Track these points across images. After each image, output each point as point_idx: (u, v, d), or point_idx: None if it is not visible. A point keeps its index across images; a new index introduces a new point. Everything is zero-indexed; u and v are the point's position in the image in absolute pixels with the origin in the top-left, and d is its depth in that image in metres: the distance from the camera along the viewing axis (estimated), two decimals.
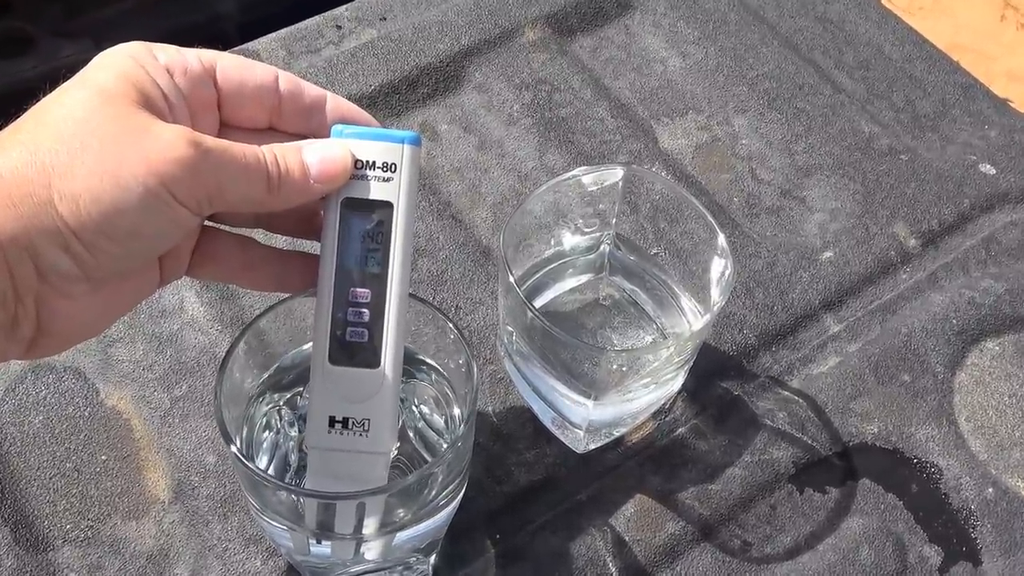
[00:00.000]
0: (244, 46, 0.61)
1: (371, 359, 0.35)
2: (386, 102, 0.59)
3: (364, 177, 0.34)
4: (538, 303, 0.48)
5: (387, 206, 0.34)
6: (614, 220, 0.48)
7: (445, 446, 0.41)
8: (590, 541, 0.45)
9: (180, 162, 0.29)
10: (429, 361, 0.42)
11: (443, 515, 0.41)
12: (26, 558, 0.43)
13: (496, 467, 0.47)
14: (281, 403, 0.42)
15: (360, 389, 0.35)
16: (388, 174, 0.34)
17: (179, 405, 0.48)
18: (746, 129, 0.60)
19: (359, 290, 0.34)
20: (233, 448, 0.36)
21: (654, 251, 0.48)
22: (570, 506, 0.46)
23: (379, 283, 0.34)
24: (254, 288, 0.37)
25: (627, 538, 0.45)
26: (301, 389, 0.42)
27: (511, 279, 0.41)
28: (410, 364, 0.42)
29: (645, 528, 0.45)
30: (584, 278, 0.49)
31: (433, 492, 0.39)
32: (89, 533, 0.44)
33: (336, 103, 0.35)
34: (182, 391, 0.48)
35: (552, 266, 0.48)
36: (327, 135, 0.34)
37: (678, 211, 0.45)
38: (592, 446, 0.47)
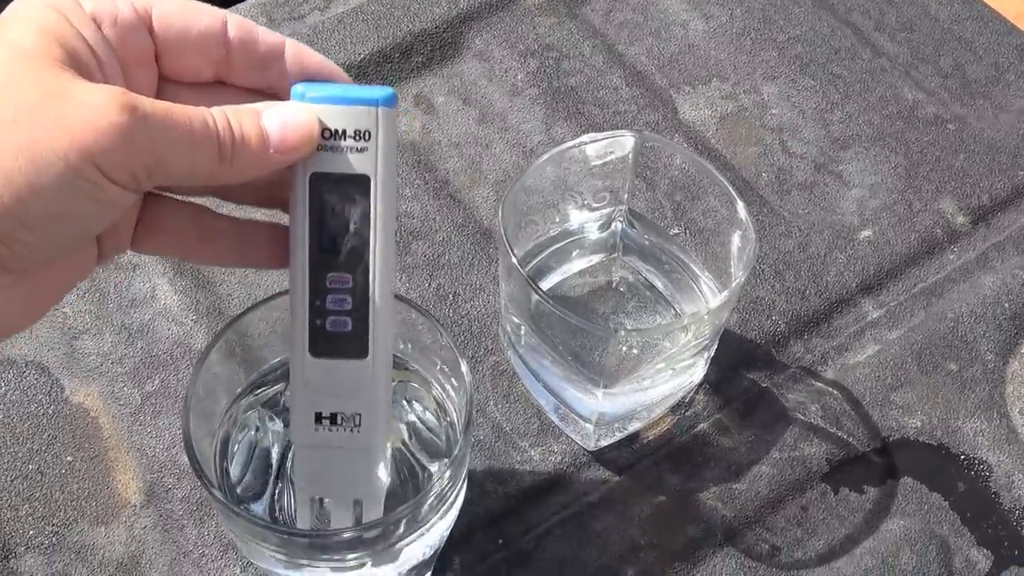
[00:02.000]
0: None
1: (358, 349, 0.35)
2: (377, 72, 0.61)
3: (334, 148, 0.33)
4: (543, 286, 0.49)
5: (363, 180, 0.33)
6: (626, 195, 0.49)
7: (439, 441, 0.43)
8: (601, 546, 0.47)
9: (110, 131, 0.28)
10: (417, 368, 0.43)
11: (436, 532, 0.42)
12: None
13: (499, 466, 0.48)
14: (259, 405, 0.44)
15: (347, 382, 0.35)
16: (362, 143, 0.33)
17: (151, 401, 0.50)
18: (776, 98, 0.62)
19: (338, 275, 0.34)
20: (216, 493, 0.37)
21: (673, 230, 0.50)
22: (579, 509, 0.48)
23: (360, 267, 0.34)
24: (212, 263, 0.37)
25: (642, 543, 0.47)
26: (283, 387, 0.44)
27: (513, 259, 0.43)
28: (398, 366, 0.44)
29: (662, 532, 0.47)
30: (595, 259, 0.51)
31: (423, 514, 0.40)
32: (54, 539, 0.46)
33: (297, 51, 0.33)
34: (154, 386, 0.50)
35: (558, 246, 0.50)
36: (286, 88, 0.33)
37: (695, 183, 0.47)
38: (604, 442, 0.49)
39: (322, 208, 0.33)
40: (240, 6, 0.64)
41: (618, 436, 0.49)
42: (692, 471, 0.49)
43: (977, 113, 0.62)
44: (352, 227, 0.34)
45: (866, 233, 0.56)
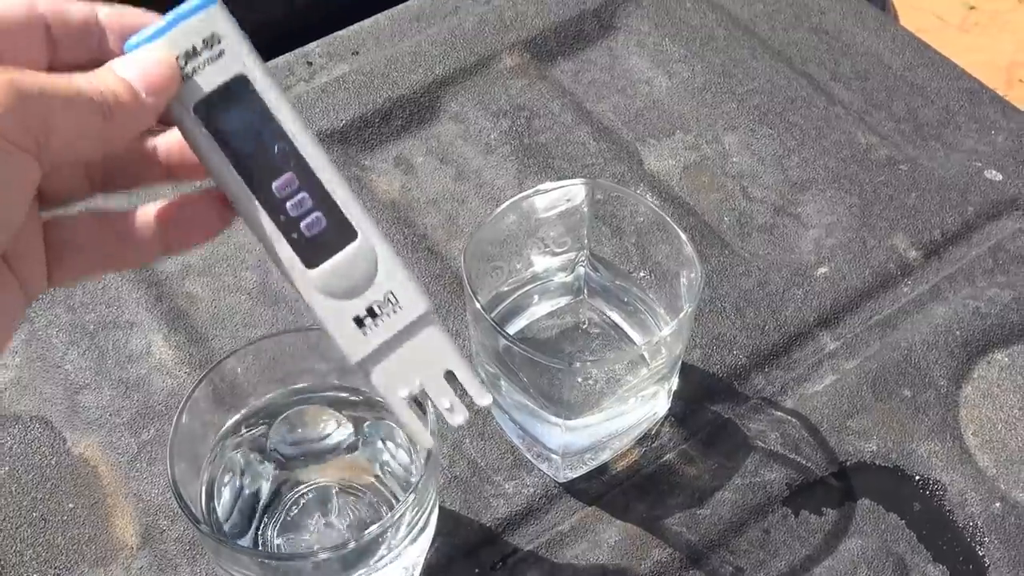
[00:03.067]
0: None
1: (345, 234, 0.34)
2: (359, 136, 0.65)
3: (195, 71, 0.32)
4: (512, 329, 0.52)
5: (240, 80, 0.32)
6: (586, 240, 0.52)
7: (412, 476, 0.46)
8: (572, 572, 0.49)
9: (2, 92, 0.28)
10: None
11: (409, 556, 0.45)
12: None
13: (474, 500, 0.51)
14: (245, 444, 0.47)
15: (357, 269, 0.34)
16: (216, 48, 0.32)
17: (146, 449, 0.53)
18: (736, 146, 0.65)
19: (281, 180, 0.33)
20: (202, 527, 0.40)
21: (633, 272, 0.52)
22: (551, 537, 0.50)
23: (294, 159, 0.33)
24: (148, 258, 0.35)
25: (611, 568, 0.49)
26: (266, 429, 0.47)
27: (477, 304, 0.46)
28: (371, 407, 0.47)
29: (630, 556, 0.49)
30: (562, 301, 0.54)
31: (396, 539, 0.43)
32: None
33: (111, 12, 0.32)
34: (150, 435, 0.53)
35: (525, 290, 0.53)
36: (115, 53, 0.32)
37: (647, 225, 0.50)
38: (573, 474, 0.51)
39: (224, 130, 0.32)
40: None
41: (587, 468, 0.52)
42: (658, 499, 0.51)
43: (929, 154, 0.65)
44: (261, 127, 0.32)
45: (823, 270, 0.59)
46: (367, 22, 0.71)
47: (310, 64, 0.69)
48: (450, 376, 0.36)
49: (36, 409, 0.54)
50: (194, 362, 0.55)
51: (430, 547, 0.48)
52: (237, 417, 0.46)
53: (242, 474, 0.46)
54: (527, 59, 0.69)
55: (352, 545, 0.40)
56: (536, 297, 0.53)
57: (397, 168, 0.64)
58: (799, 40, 0.71)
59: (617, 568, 0.49)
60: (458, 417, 0.37)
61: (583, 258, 0.53)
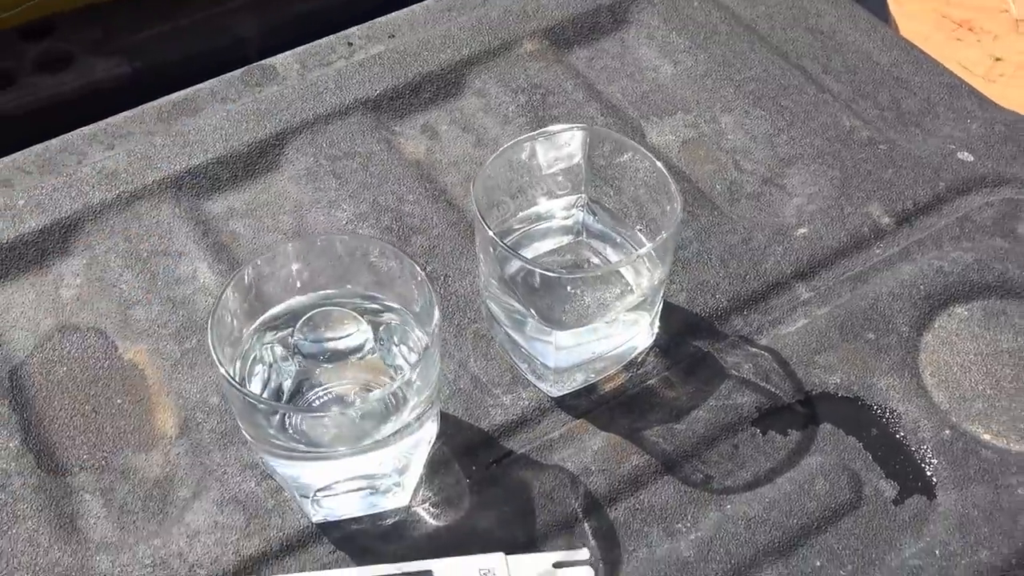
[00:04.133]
0: (261, 62, 0.75)
1: None
2: (390, 105, 0.72)
3: None
4: (515, 263, 0.58)
5: None
6: (583, 184, 0.58)
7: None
8: (558, 472, 0.54)
9: None
10: (399, 309, 0.53)
11: (418, 436, 0.51)
12: (48, 480, 0.54)
13: (475, 409, 0.57)
14: (274, 341, 0.53)
15: None
16: None
17: (188, 356, 0.59)
18: (731, 126, 0.71)
19: None
20: (222, 370, 0.46)
21: (625, 214, 0.58)
22: (542, 443, 0.56)
23: None
24: None
25: (593, 468, 0.54)
26: (292, 330, 0.53)
27: (487, 229, 0.52)
28: (386, 312, 0.53)
29: (611, 460, 0.55)
30: (563, 240, 0.60)
31: (408, 405, 0.49)
32: (103, 462, 0.55)
33: None
34: (192, 344, 0.59)
35: (529, 227, 0.59)
36: None
37: (637, 168, 0.56)
38: (565, 391, 0.57)
39: None
40: (278, 56, 0.75)
41: (577, 386, 0.57)
42: (639, 415, 0.57)
43: (907, 137, 0.70)
44: None
45: (802, 231, 0.65)
46: (404, 11, 0.78)
47: (350, 45, 0.76)
48: None
49: (93, 322, 0.61)
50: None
51: (434, 444, 0.54)
52: (266, 316, 0.52)
53: (270, 367, 0.53)
54: (546, 45, 0.76)
55: (360, 404, 0.46)
56: (540, 235, 0.59)
57: (423, 134, 0.71)
58: (795, 38, 0.77)
59: (599, 470, 0.54)
60: None
61: (582, 202, 0.59)
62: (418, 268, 0.49)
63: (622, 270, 0.56)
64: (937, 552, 0.52)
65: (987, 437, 0.56)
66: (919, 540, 0.52)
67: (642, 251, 0.52)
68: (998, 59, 2.18)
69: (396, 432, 0.48)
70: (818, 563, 0.52)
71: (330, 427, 0.49)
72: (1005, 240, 0.64)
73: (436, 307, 0.48)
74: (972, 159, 0.69)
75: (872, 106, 0.72)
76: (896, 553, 0.52)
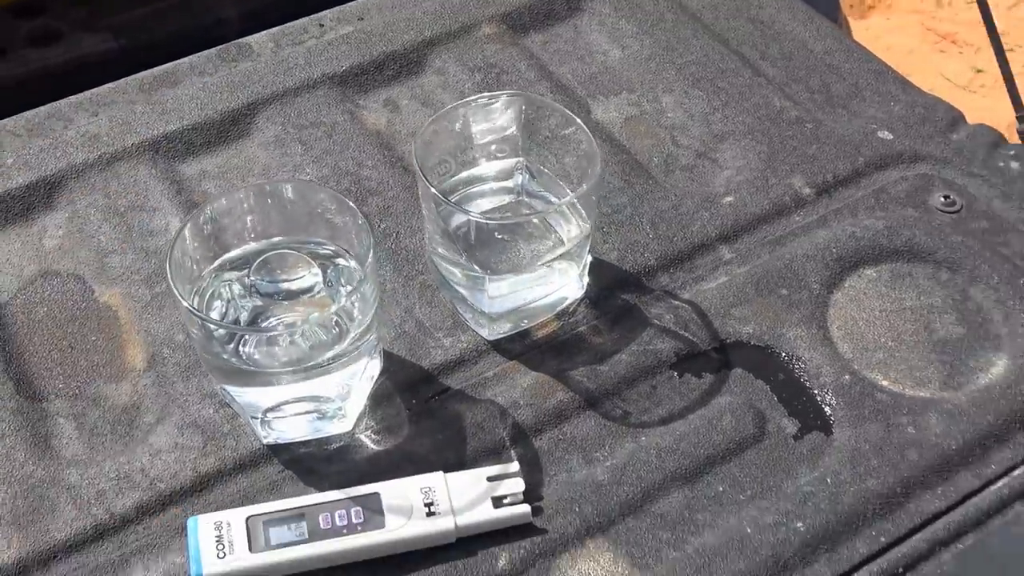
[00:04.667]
0: (237, 41, 0.80)
1: None
2: (356, 81, 0.77)
3: None
4: (455, 218, 0.64)
5: None
6: (519, 149, 0.64)
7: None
8: (490, 405, 0.60)
9: None
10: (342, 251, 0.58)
11: (357, 366, 0.56)
12: (25, 405, 0.60)
13: (417, 349, 0.62)
14: (232, 280, 0.58)
15: None
16: None
17: (157, 299, 0.64)
18: (671, 105, 0.76)
19: None
20: (184, 303, 0.52)
21: (559, 175, 0.64)
22: (477, 381, 0.61)
23: None
24: None
25: (522, 403, 0.60)
26: (247, 271, 0.58)
27: (427, 183, 0.57)
28: (336, 257, 0.58)
29: (538, 396, 0.60)
30: (505, 199, 0.65)
31: (349, 336, 0.54)
32: (77, 391, 0.60)
33: None
34: (161, 289, 0.65)
35: (471, 188, 0.64)
36: None
37: (565, 132, 0.61)
38: (500, 335, 0.62)
39: None
40: (254, 35, 0.81)
41: (512, 331, 0.62)
42: (567, 358, 0.62)
43: (833, 118, 0.76)
44: None
45: (728, 199, 0.70)
46: None
47: (321, 26, 0.82)
48: None
49: (73, 268, 0.66)
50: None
51: (377, 380, 0.60)
52: (224, 258, 0.58)
53: (228, 302, 0.58)
54: (503, 29, 0.81)
55: (302, 324, 0.51)
56: (481, 195, 0.65)
57: (385, 108, 0.76)
58: (736, 27, 0.82)
59: (527, 404, 0.60)
60: None
61: (521, 166, 0.65)
62: (359, 212, 0.55)
63: (552, 223, 0.61)
64: (829, 480, 0.57)
65: (884, 383, 0.61)
66: (814, 470, 0.57)
67: (564, 200, 0.58)
68: (979, 71, 2.23)
69: (336, 357, 0.54)
70: (720, 488, 0.57)
71: (278, 351, 0.55)
72: (916, 210, 0.69)
73: (372, 241, 0.53)
74: (892, 138, 0.74)
75: (803, 89, 0.78)
76: (792, 481, 0.57)
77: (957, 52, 2.35)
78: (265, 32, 0.81)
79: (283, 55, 0.79)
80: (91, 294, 0.65)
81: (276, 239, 0.58)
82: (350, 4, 0.83)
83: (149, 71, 0.77)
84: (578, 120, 0.60)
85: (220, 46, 0.79)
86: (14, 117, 0.74)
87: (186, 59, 0.78)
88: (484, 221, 0.58)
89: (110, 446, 0.58)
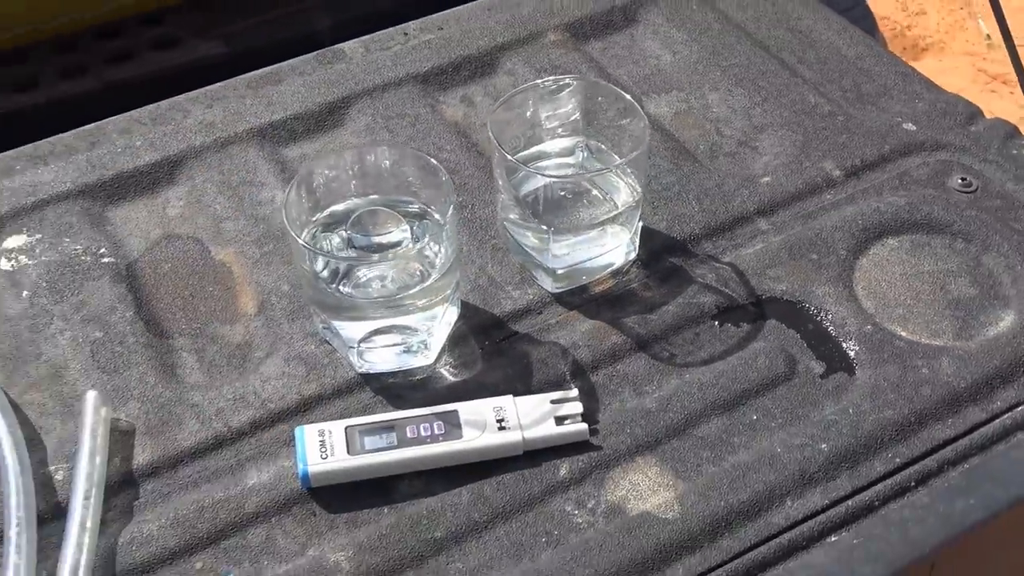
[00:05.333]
0: (332, 47, 0.90)
1: None
2: (436, 80, 0.87)
3: None
4: (522, 190, 0.72)
5: None
6: (581, 127, 0.72)
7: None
8: (552, 346, 0.68)
9: None
10: (429, 210, 0.67)
11: (439, 309, 0.65)
12: (154, 340, 0.69)
13: (489, 300, 0.71)
14: (332, 233, 0.67)
15: None
16: None
17: (266, 256, 0.74)
18: (716, 101, 0.85)
19: None
20: (299, 241, 0.61)
21: (617, 159, 0.72)
22: (542, 326, 0.69)
23: None
24: None
25: (581, 344, 0.68)
26: (344, 226, 0.67)
27: (504, 152, 0.66)
28: (423, 215, 0.67)
29: (595, 339, 0.68)
30: (567, 173, 0.74)
31: (431, 278, 0.63)
32: (197, 331, 0.70)
33: None
34: (269, 248, 0.74)
35: (537, 163, 0.73)
36: None
37: (628, 117, 0.70)
38: (562, 289, 0.71)
39: None
40: (347, 42, 0.91)
41: (572, 285, 0.71)
42: (621, 308, 0.70)
43: (863, 112, 0.83)
44: None
45: (766, 179, 0.78)
46: (451, 9, 0.94)
47: (406, 34, 0.91)
48: None
49: (192, 232, 0.76)
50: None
51: (455, 324, 0.68)
52: (328, 211, 0.67)
53: (328, 253, 0.67)
54: (566, 37, 0.90)
55: (392, 255, 0.60)
56: (543, 170, 0.73)
57: (462, 103, 0.85)
58: (777, 35, 0.91)
59: (585, 345, 0.68)
60: None
61: (581, 144, 0.73)
62: (443, 170, 0.64)
63: (606, 189, 0.70)
64: (851, 411, 0.64)
65: (903, 333, 0.69)
66: (838, 403, 0.65)
67: (619, 162, 0.66)
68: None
69: (422, 293, 0.62)
70: (754, 417, 0.64)
71: (370, 292, 0.64)
72: (935, 190, 0.77)
73: (453, 194, 0.62)
74: (915, 129, 0.82)
75: (836, 88, 0.86)
76: (818, 411, 0.64)
77: (1008, 92, 2.41)
78: (356, 40, 0.91)
79: (372, 58, 0.88)
80: (208, 253, 0.74)
81: (372, 196, 0.67)
82: (431, 16, 0.93)
83: (256, 72, 0.88)
84: (627, 96, 0.69)
85: (317, 51, 0.89)
86: (140, 109, 0.85)
87: (288, 62, 0.88)
88: (555, 179, 0.67)
89: (226, 374, 0.67)
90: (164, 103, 0.85)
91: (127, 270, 0.73)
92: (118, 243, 0.75)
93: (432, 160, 0.65)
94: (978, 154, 0.79)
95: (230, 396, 0.66)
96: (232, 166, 0.80)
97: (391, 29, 0.92)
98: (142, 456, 0.63)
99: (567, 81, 0.71)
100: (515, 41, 0.90)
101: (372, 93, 0.85)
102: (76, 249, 0.74)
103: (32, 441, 0.63)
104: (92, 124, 0.83)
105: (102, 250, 0.74)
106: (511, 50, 0.89)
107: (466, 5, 0.95)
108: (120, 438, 0.63)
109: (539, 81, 0.71)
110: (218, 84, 0.87)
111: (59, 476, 0.62)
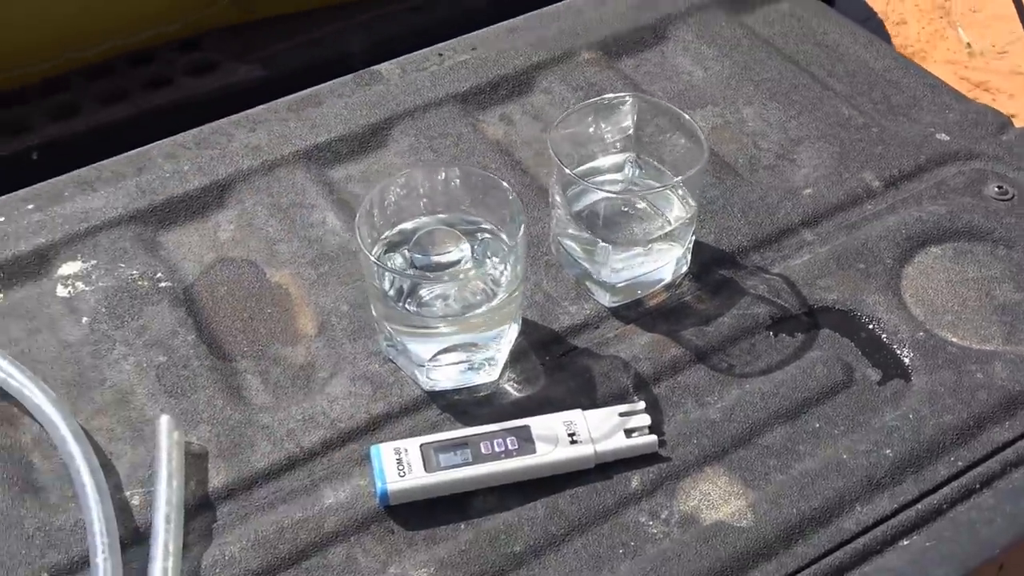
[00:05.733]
0: (368, 68, 0.91)
1: None
2: (475, 99, 0.87)
3: None
4: (582, 200, 0.73)
5: None
6: (633, 143, 0.73)
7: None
8: (613, 360, 0.69)
9: None
10: (493, 227, 0.67)
11: (504, 326, 0.65)
12: (218, 363, 0.69)
13: (547, 315, 0.71)
14: (395, 254, 0.68)
15: None
16: None
17: (323, 277, 0.74)
18: (751, 115, 0.86)
19: None
20: (371, 256, 0.61)
21: (668, 169, 0.73)
22: (600, 341, 0.70)
23: None
24: None
25: (641, 357, 0.69)
26: (407, 247, 0.68)
27: (565, 169, 0.67)
28: (479, 231, 0.68)
29: (654, 352, 0.69)
30: (618, 188, 0.75)
31: (497, 297, 0.64)
32: (259, 352, 0.70)
33: None
34: (325, 269, 0.75)
35: (589, 178, 0.74)
36: None
37: (675, 127, 0.71)
38: (618, 303, 0.71)
39: None
40: (384, 64, 0.91)
41: (628, 299, 0.72)
42: (677, 321, 0.71)
43: (896, 124, 0.85)
44: None
45: (808, 191, 0.79)
46: (485, 29, 0.94)
47: (441, 55, 0.92)
48: None
49: (246, 255, 0.76)
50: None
51: (516, 340, 0.69)
52: (397, 229, 0.67)
53: (394, 270, 0.67)
54: (600, 55, 0.91)
55: (463, 276, 0.60)
56: (598, 185, 0.74)
57: (501, 122, 0.86)
58: (805, 50, 0.92)
59: (646, 358, 0.68)
60: None
61: (631, 159, 0.74)
62: (511, 190, 0.64)
63: (659, 206, 0.71)
64: (911, 416, 0.65)
65: (954, 339, 0.70)
66: (897, 409, 0.66)
67: (675, 180, 0.67)
68: (1012, 116, 2.34)
69: (489, 312, 0.63)
70: (817, 425, 0.65)
71: (435, 311, 0.64)
72: (973, 199, 0.78)
73: (522, 214, 0.63)
74: (948, 139, 0.83)
75: (867, 101, 0.87)
76: (879, 418, 0.65)
77: (990, 99, 2.44)
78: (392, 61, 0.91)
79: (409, 79, 0.89)
80: (263, 275, 0.75)
81: (440, 215, 0.68)
82: (465, 37, 0.94)
83: (295, 95, 0.88)
84: (685, 116, 0.70)
85: (354, 73, 0.90)
86: (182, 134, 0.85)
87: (326, 84, 0.89)
88: (614, 195, 0.68)
89: (292, 395, 0.68)
90: (206, 127, 0.85)
91: (184, 294, 0.73)
92: (173, 267, 0.75)
93: (501, 181, 0.65)
94: (1012, 163, 0.81)
95: (299, 417, 0.66)
96: (280, 188, 0.80)
97: (425, 50, 0.93)
98: (217, 479, 0.63)
99: (625, 98, 0.72)
100: (549, 60, 0.91)
101: (413, 114, 0.86)
102: (132, 274, 0.74)
103: (105, 467, 0.63)
104: (135, 150, 0.84)
105: (159, 275, 0.74)
106: (546, 69, 0.90)
107: (494, 26, 0.95)
108: (193, 461, 0.64)
109: (598, 98, 0.72)
110: (259, 107, 0.87)
111: (135, 501, 0.62)
